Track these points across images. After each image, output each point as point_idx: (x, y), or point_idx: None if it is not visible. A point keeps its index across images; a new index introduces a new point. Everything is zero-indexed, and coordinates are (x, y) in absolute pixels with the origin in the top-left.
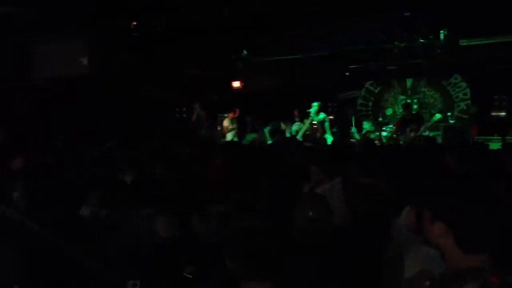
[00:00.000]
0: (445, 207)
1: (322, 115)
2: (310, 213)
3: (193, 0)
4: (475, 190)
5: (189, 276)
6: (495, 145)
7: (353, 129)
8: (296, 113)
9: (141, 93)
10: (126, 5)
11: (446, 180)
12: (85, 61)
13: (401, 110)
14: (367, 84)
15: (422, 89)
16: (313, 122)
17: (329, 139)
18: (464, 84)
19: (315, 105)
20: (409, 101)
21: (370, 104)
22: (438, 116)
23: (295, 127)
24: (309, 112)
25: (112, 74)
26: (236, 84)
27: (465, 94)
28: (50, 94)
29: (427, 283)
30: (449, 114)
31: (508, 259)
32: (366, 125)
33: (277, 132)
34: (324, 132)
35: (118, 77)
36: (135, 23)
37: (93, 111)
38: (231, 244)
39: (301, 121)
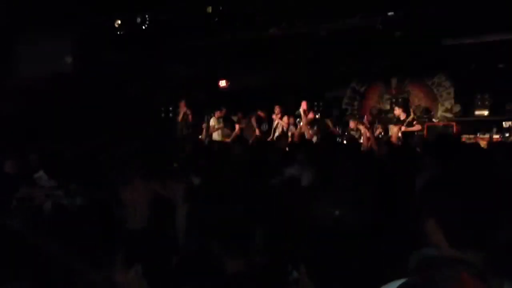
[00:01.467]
0: (434, 203)
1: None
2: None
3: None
4: (465, 186)
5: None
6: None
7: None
8: (278, 110)
9: (126, 92)
10: (111, 3)
11: (436, 177)
12: (69, 59)
13: (387, 109)
14: (353, 83)
15: (407, 88)
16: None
17: None
18: (447, 83)
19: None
20: (393, 100)
21: (356, 103)
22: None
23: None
24: (297, 112)
25: (96, 73)
26: (222, 83)
27: (448, 93)
28: (32, 93)
29: None
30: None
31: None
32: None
33: None
34: (317, 132)
35: (103, 76)
36: (120, 21)
37: (77, 110)
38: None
39: (281, 118)
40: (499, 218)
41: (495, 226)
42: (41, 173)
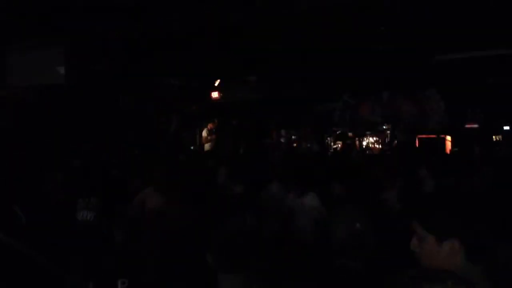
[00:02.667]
0: (457, 225)
1: None
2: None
3: (172, 10)
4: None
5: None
6: None
7: None
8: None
9: (118, 103)
10: (104, 14)
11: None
12: (61, 70)
13: (379, 121)
14: (345, 97)
15: (398, 102)
16: None
17: None
18: (438, 97)
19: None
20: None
21: (347, 116)
22: None
23: None
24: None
25: (89, 84)
26: (214, 94)
27: (439, 106)
28: (23, 103)
29: None
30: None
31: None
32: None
33: None
34: None
35: (95, 87)
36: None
37: (69, 121)
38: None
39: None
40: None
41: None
42: None
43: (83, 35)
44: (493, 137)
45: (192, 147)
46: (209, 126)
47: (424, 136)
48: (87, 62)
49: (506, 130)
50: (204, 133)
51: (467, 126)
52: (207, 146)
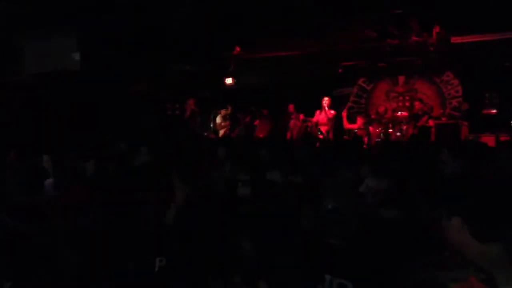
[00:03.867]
0: (460, 203)
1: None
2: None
3: None
4: (487, 184)
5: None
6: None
7: None
8: (291, 108)
9: (133, 89)
10: (116, 1)
11: (457, 178)
12: (76, 56)
13: (393, 107)
14: (360, 81)
15: (414, 86)
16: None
17: None
18: (456, 81)
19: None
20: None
21: (363, 101)
22: None
23: None
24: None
25: (103, 70)
26: (228, 80)
27: (457, 91)
28: (38, 90)
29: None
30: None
31: None
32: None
33: None
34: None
35: (110, 74)
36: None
37: (83, 107)
38: None
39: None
40: None
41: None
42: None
43: (96, 22)
44: (511, 122)
45: (206, 133)
46: (223, 112)
47: (441, 122)
48: (101, 48)
49: None
50: (218, 120)
51: (484, 111)
52: (221, 132)
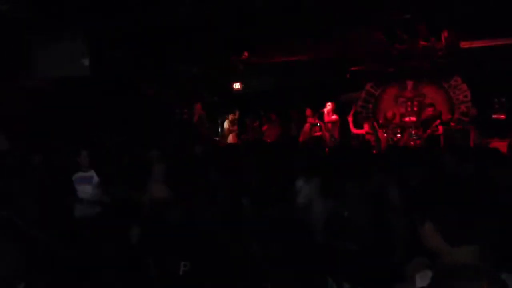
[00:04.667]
0: (431, 208)
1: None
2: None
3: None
4: (456, 189)
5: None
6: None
7: None
8: (308, 112)
9: (141, 93)
10: (125, 4)
11: (428, 182)
12: (86, 61)
13: (401, 112)
14: (368, 86)
15: (423, 91)
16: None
17: None
18: (464, 86)
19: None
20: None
21: (371, 106)
22: None
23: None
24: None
25: (111, 74)
26: (236, 85)
27: (465, 96)
28: (46, 94)
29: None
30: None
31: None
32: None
33: None
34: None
35: (118, 78)
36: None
37: (91, 111)
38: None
39: (315, 121)
40: (489, 215)
41: (485, 222)
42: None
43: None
44: None
45: (216, 138)
46: (231, 117)
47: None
48: (110, 54)
49: None
50: (226, 124)
51: (493, 116)
52: (230, 138)
